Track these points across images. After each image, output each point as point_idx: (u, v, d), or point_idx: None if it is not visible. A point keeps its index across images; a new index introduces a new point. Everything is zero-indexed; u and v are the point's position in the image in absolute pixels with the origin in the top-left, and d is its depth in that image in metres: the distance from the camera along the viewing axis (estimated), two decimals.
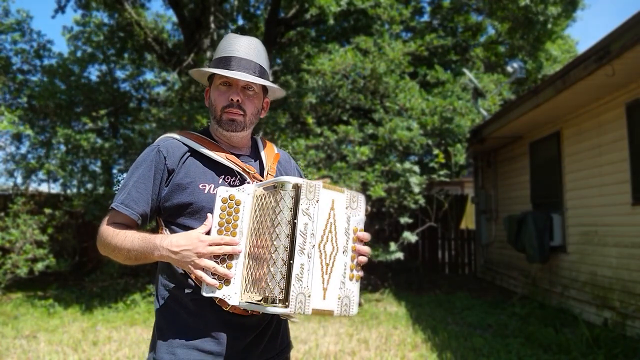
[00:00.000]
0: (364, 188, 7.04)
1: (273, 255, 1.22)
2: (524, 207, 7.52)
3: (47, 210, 7.74)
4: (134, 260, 1.40)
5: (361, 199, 1.38)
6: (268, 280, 1.21)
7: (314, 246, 1.25)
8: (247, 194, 1.34)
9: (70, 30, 11.51)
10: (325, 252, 1.28)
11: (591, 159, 5.80)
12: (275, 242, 1.23)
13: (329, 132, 7.21)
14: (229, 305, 1.31)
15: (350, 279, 1.33)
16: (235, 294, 1.29)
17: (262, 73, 1.49)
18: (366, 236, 1.39)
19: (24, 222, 7.35)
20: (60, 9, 10.27)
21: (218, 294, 1.29)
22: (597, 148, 5.68)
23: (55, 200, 8.67)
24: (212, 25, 9.83)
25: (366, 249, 1.38)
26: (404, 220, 7.52)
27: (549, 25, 9.91)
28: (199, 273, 1.29)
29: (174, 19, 11.44)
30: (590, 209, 5.80)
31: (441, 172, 7.84)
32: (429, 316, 6.03)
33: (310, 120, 7.49)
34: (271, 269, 1.22)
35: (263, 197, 1.30)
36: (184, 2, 9.98)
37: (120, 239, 1.39)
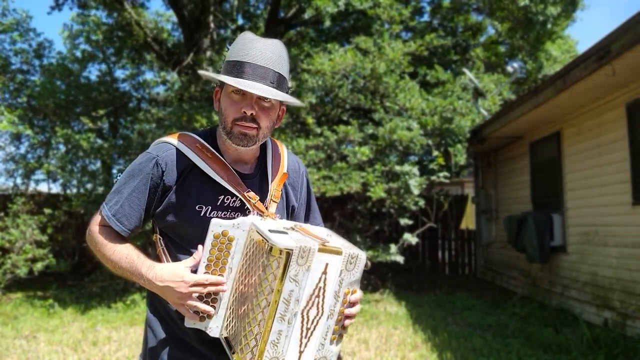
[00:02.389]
0: (364, 188, 7.04)
1: (251, 320, 1.19)
2: (524, 207, 7.52)
3: (47, 210, 7.73)
4: (120, 275, 1.38)
5: (361, 258, 1.28)
6: (242, 344, 1.20)
7: (296, 313, 1.20)
8: (242, 230, 1.27)
9: (70, 28, 11.49)
10: (308, 317, 1.23)
11: (591, 159, 5.79)
12: (255, 309, 1.19)
13: (329, 132, 7.20)
14: (209, 335, 1.30)
15: (332, 341, 1.29)
16: (216, 327, 1.28)
17: (280, 82, 1.35)
18: (357, 297, 1.31)
19: (24, 222, 7.34)
20: (57, 6, 10.27)
21: (199, 325, 1.28)
22: (597, 148, 5.67)
23: (55, 200, 8.65)
24: (212, 25, 9.82)
25: (354, 311, 1.31)
26: (404, 221, 7.51)
27: (549, 25, 9.90)
28: (181, 309, 1.28)
29: (174, 18, 11.42)
30: (591, 209, 5.80)
31: (440, 174, 7.84)
32: (429, 316, 6.02)
33: (310, 120, 7.48)
34: (247, 333, 1.19)
35: (256, 243, 1.24)
36: (184, 1, 9.96)
37: (109, 251, 1.37)
